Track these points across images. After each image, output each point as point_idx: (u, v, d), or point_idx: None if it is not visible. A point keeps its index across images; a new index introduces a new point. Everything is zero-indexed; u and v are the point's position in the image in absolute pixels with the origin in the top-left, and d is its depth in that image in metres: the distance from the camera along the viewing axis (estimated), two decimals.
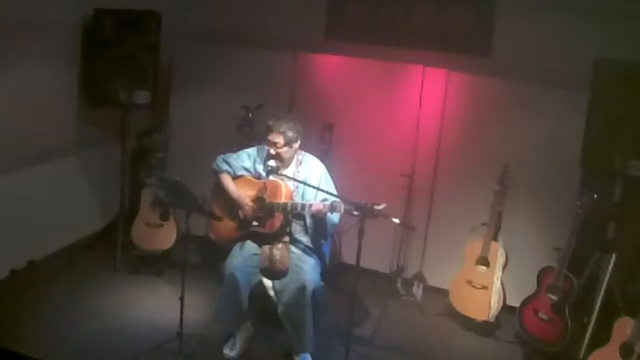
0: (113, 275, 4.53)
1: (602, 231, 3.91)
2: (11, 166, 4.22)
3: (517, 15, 4.51)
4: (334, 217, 3.56)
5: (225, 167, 3.76)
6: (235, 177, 3.77)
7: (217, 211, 3.78)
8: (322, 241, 3.73)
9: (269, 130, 3.61)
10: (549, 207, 4.26)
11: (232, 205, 3.72)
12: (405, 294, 4.64)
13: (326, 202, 3.43)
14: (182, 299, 3.59)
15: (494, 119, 4.42)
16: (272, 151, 3.61)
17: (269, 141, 3.61)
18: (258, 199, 3.65)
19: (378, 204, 3.17)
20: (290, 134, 3.59)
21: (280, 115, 3.68)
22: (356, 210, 3.19)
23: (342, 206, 3.33)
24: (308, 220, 3.65)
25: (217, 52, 5.04)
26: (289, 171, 3.67)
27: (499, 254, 4.12)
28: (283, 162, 3.64)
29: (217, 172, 3.78)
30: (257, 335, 3.80)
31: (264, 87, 4.86)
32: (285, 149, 3.61)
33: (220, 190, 3.77)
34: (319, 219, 3.54)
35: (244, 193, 3.70)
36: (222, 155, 3.81)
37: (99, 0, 4.42)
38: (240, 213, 3.69)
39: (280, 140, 3.59)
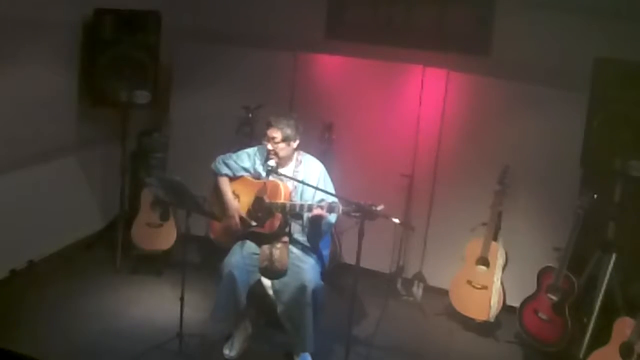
0: (113, 275, 4.53)
1: (602, 231, 3.91)
2: (11, 166, 4.22)
3: (517, 15, 4.51)
4: (331, 218, 3.56)
5: (224, 170, 3.76)
6: (235, 178, 3.78)
7: (216, 211, 3.78)
8: (318, 240, 3.73)
9: (268, 125, 3.63)
10: (549, 207, 4.26)
11: (223, 210, 3.75)
12: (405, 294, 4.64)
13: (323, 203, 3.43)
14: (182, 299, 3.59)
15: (494, 119, 4.42)
16: (270, 146, 3.62)
17: (267, 136, 3.62)
18: (257, 199, 3.65)
19: (377, 205, 3.17)
20: (288, 131, 3.60)
21: (282, 112, 3.71)
22: (355, 210, 3.19)
23: (340, 207, 3.33)
24: (305, 219, 3.64)
25: (217, 52, 5.03)
26: (288, 171, 3.67)
27: (499, 254, 4.12)
28: (280, 159, 3.64)
29: (215, 174, 3.78)
30: (256, 335, 3.81)
31: (264, 87, 4.86)
32: (282, 145, 3.61)
33: (217, 192, 3.79)
34: (316, 220, 3.54)
35: (237, 205, 3.71)
36: (222, 156, 3.81)
37: (99, 0, 4.42)
38: (225, 221, 3.71)
39: (278, 135, 3.59)
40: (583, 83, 3.83)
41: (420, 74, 4.57)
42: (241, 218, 3.68)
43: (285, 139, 3.61)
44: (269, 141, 3.62)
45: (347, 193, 3.51)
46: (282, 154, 3.64)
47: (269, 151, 3.64)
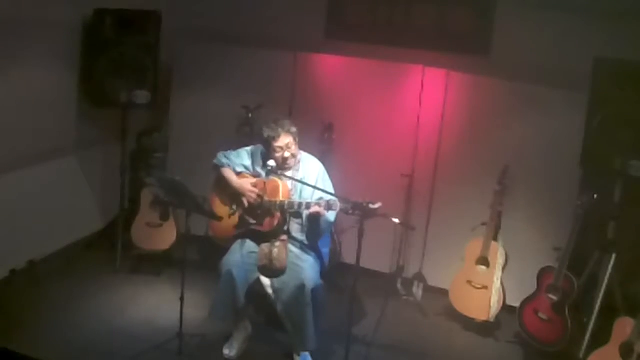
0: (113, 275, 4.53)
1: (602, 231, 3.91)
2: (11, 166, 4.22)
3: (517, 15, 4.51)
4: (330, 216, 3.56)
5: (226, 161, 3.77)
6: (235, 175, 3.78)
7: (219, 205, 3.77)
8: (317, 239, 3.72)
9: (276, 136, 3.57)
10: (549, 207, 4.26)
11: (235, 195, 3.72)
12: (405, 294, 4.64)
13: (321, 201, 3.43)
14: (182, 299, 3.59)
15: (494, 119, 4.42)
16: (287, 154, 3.59)
17: (280, 148, 3.58)
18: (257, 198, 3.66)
19: (374, 203, 3.17)
20: (294, 129, 3.61)
21: (272, 120, 3.66)
22: (352, 209, 3.19)
23: (339, 204, 3.33)
24: (304, 217, 3.64)
25: (217, 52, 5.03)
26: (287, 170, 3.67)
27: (499, 254, 4.12)
28: (297, 161, 3.64)
29: (218, 167, 3.78)
30: (256, 335, 3.81)
31: (264, 87, 4.86)
32: (295, 146, 3.61)
33: (222, 183, 3.77)
34: (314, 218, 3.54)
35: (245, 180, 3.70)
36: (223, 152, 3.81)
37: (99, 0, 4.42)
38: (245, 201, 3.69)
39: (290, 139, 3.59)
40: (583, 83, 3.83)
41: (420, 74, 4.57)
42: (258, 195, 3.64)
43: (295, 139, 3.61)
44: (284, 150, 3.59)
45: (348, 193, 3.50)
46: (296, 153, 3.64)
47: (284, 160, 3.59)
